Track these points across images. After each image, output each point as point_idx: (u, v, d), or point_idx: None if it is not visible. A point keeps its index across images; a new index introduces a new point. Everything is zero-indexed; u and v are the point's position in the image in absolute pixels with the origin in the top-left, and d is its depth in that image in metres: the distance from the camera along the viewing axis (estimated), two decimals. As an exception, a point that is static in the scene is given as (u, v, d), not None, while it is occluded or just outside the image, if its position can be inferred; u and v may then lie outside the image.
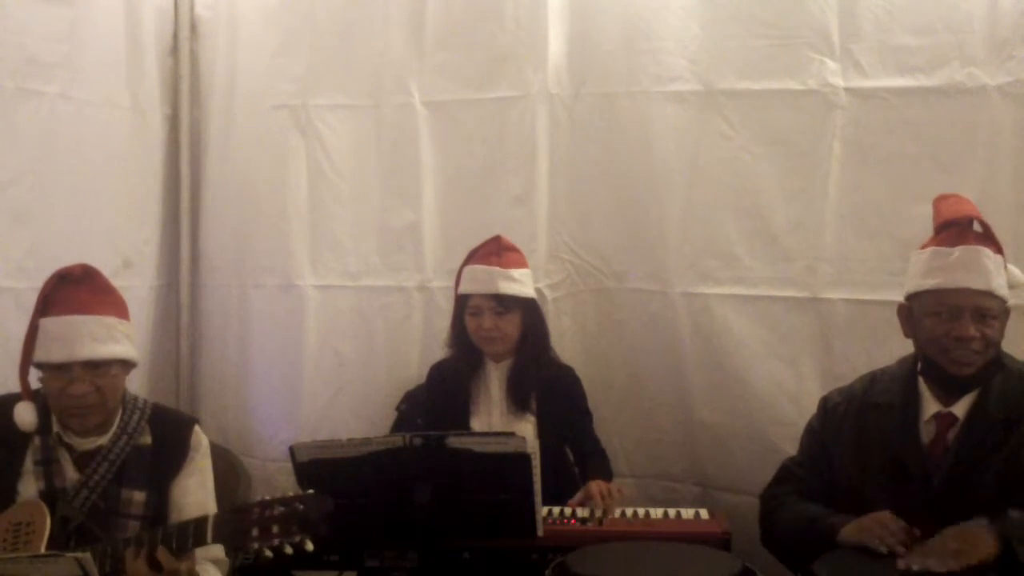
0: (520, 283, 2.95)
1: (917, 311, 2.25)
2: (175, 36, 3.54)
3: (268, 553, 1.99)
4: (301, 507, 1.99)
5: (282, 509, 2.00)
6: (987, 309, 2.17)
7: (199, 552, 2.14)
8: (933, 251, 2.24)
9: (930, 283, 2.21)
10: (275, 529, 1.98)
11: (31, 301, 2.29)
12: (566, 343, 3.25)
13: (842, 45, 2.97)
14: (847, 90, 2.97)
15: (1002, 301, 2.20)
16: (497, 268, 2.93)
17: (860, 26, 2.96)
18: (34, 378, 2.27)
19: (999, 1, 2.83)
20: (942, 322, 2.18)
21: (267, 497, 2.04)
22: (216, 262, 3.60)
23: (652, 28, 3.16)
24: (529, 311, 3.00)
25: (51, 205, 3.03)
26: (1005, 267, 2.23)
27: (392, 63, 3.39)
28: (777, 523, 2.38)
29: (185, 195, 3.59)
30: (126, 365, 2.30)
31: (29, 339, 2.23)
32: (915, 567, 1.91)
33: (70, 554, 1.92)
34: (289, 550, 1.99)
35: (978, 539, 1.95)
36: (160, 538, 2.06)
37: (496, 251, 2.97)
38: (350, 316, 3.45)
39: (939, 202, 2.34)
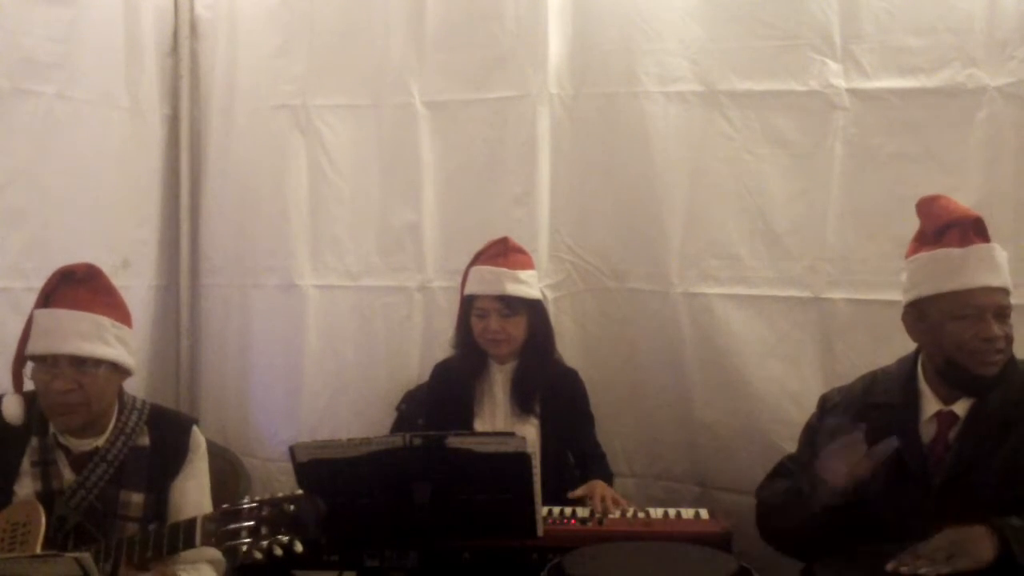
0: (527, 285, 2.94)
1: (935, 316, 2.20)
2: (175, 36, 3.54)
3: (258, 555, 1.97)
4: (291, 508, 1.99)
5: (271, 510, 1.99)
6: (1005, 307, 2.16)
7: (195, 553, 2.13)
8: (944, 253, 2.20)
9: (950, 286, 2.17)
10: (264, 530, 1.97)
11: (28, 301, 2.29)
12: (566, 343, 3.23)
13: (844, 46, 2.97)
14: (849, 91, 2.97)
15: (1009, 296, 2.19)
16: (504, 269, 2.92)
17: (861, 27, 2.95)
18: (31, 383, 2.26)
19: (999, 1, 2.82)
20: (969, 324, 2.14)
21: (257, 498, 2.03)
22: (216, 262, 3.60)
23: (653, 28, 3.16)
24: (535, 313, 2.99)
25: (49, 205, 3.03)
26: None
27: (392, 63, 3.39)
28: (772, 505, 2.36)
29: (185, 195, 3.58)
30: (117, 369, 2.27)
31: (25, 332, 2.23)
32: (904, 570, 1.89)
33: (70, 554, 1.91)
34: (279, 552, 1.97)
35: (975, 543, 1.93)
36: (151, 540, 2.05)
37: (503, 252, 2.96)
38: (350, 316, 3.44)
39: (928, 204, 2.30)
